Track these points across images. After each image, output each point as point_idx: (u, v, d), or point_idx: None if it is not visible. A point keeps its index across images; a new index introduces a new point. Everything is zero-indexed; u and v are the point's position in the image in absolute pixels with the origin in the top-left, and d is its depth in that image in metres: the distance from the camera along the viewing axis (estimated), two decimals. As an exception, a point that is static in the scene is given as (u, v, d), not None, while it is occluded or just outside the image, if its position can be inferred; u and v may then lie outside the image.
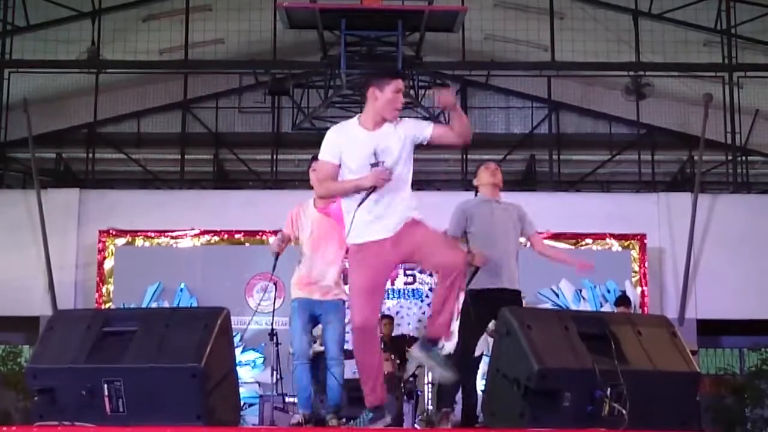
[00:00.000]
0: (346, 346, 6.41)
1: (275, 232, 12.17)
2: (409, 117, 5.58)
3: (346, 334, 6.18)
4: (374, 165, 4.89)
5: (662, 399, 4.91)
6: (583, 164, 15.71)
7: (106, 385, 4.81)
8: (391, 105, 4.96)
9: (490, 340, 7.62)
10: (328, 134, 5.04)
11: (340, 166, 4.97)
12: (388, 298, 11.65)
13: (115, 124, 15.74)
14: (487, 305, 6.05)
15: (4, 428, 4.71)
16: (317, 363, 6.97)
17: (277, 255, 6.39)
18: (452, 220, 6.35)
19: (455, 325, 6.20)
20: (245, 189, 14.99)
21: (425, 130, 5.02)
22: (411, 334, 11.17)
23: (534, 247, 6.49)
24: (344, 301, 6.18)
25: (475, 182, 6.62)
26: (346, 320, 6.10)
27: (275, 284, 12.10)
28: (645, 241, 12.54)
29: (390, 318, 10.76)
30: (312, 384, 6.54)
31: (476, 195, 6.58)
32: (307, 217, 6.31)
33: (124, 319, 5.26)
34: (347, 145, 4.97)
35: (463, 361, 6.06)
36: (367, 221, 4.95)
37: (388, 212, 4.95)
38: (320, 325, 6.89)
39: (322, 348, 7.10)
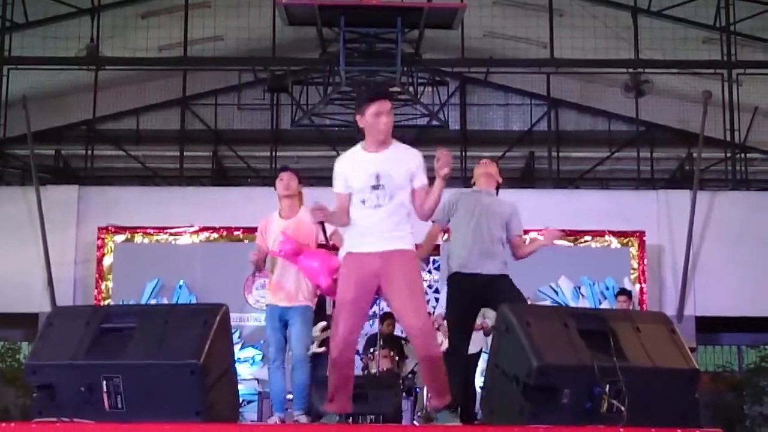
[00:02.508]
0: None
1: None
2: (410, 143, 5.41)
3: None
4: (375, 187, 4.92)
5: (661, 396, 4.91)
6: (582, 161, 15.71)
7: (105, 382, 4.82)
8: (374, 129, 4.96)
9: (489, 338, 7.66)
10: (335, 166, 5.12)
11: (350, 195, 5.03)
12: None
13: (114, 121, 15.74)
14: (467, 291, 6.11)
15: (3, 424, 4.70)
16: (317, 362, 7.21)
17: (255, 269, 6.68)
18: (439, 207, 6.37)
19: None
20: (244, 186, 14.97)
21: (416, 179, 4.99)
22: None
23: (512, 251, 6.40)
24: (310, 307, 6.32)
25: (472, 181, 6.74)
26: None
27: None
28: (644, 238, 12.52)
29: (392, 316, 10.71)
30: (313, 382, 6.63)
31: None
32: (275, 226, 6.47)
33: (123, 316, 5.27)
34: (351, 169, 5.04)
35: (449, 359, 5.93)
36: (358, 233, 5.00)
37: (377, 230, 4.95)
38: (319, 325, 7.32)
39: (321, 349, 7.40)
